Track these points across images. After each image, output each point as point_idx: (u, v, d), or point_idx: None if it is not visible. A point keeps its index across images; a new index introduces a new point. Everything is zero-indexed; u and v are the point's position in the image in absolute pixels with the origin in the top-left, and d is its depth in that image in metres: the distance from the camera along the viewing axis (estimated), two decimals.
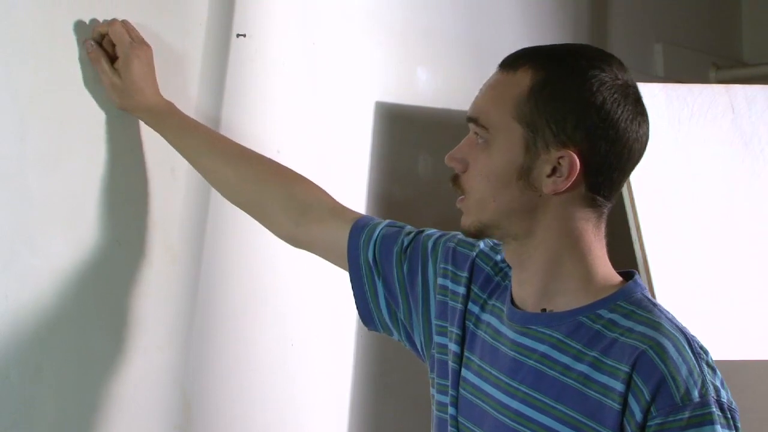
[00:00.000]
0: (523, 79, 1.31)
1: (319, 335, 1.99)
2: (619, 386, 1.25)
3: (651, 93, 2.35)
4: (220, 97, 1.82)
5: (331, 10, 2.04)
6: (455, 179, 1.36)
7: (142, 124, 1.67)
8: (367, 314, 1.56)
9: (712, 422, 1.22)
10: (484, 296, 1.43)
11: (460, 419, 1.40)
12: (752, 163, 2.35)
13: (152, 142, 1.69)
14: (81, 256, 1.59)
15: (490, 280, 1.44)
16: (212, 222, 1.78)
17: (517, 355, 1.34)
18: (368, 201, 2.12)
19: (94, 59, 1.58)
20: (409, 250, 1.52)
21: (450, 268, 1.47)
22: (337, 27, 2.06)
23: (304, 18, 1.99)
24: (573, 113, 1.29)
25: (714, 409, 1.22)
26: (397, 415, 2.18)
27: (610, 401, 1.25)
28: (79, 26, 1.59)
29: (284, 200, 1.62)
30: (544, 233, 1.33)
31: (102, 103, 1.61)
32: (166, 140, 1.66)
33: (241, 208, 1.67)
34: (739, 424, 1.26)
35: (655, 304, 1.33)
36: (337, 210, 1.61)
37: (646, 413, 1.23)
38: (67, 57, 1.58)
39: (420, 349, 1.52)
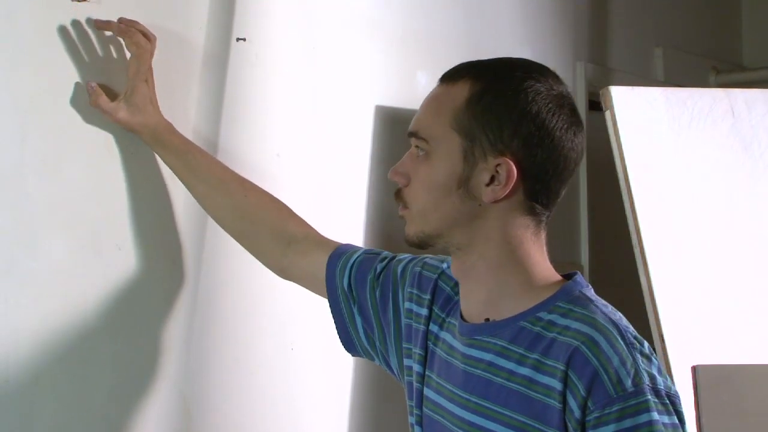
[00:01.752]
0: (462, 90, 1.34)
1: (319, 339, 1.99)
2: (558, 385, 1.26)
3: (651, 97, 2.36)
4: (220, 101, 1.82)
5: (331, 14, 2.04)
6: (398, 193, 1.39)
7: None
8: (348, 340, 1.60)
9: (648, 410, 1.23)
10: (443, 315, 1.46)
11: None
12: (752, 166, 2.35)
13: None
14: (81, 260, 1.59)
15: (449, 300, 1.47)
16: (212, 227, 1.78)
17: (467, 367, 1.36)
18: (368, 203, 2.12)
19: (93, 102, 1.59)
20: (381, 276, 1.55)
21: (415, 291, 1.50)
22: (337, 31, 2.06)
23: (304, 22, 1.99)
24: (509, 122, 1.32)
25: (649, 397, 1.23)
26: (397, 418, 2.18)
27: (552, 401, 1.26)
28: (80, 31, 1.59)
29: (273, 232, 1.66)
30: (486, 242, 1.35)
31: None
32: (163, 160, 1.68)
33: (232, 236, 1.70)
34: (680, 409, 1.27)
35: (591, 300, 1.34)
36: (321, 242, 1.65)
37: (583, 408, 1.24)
38: (68, 61, 1.58)
39: (396, 375, 1.55)
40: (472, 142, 1.33)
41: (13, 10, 1.51)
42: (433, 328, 1.45)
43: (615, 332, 1.28)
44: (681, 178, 2.31)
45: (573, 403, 1.25)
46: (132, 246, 1.66)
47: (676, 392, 1.28)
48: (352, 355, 1.63)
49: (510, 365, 1.31)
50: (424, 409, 1.43)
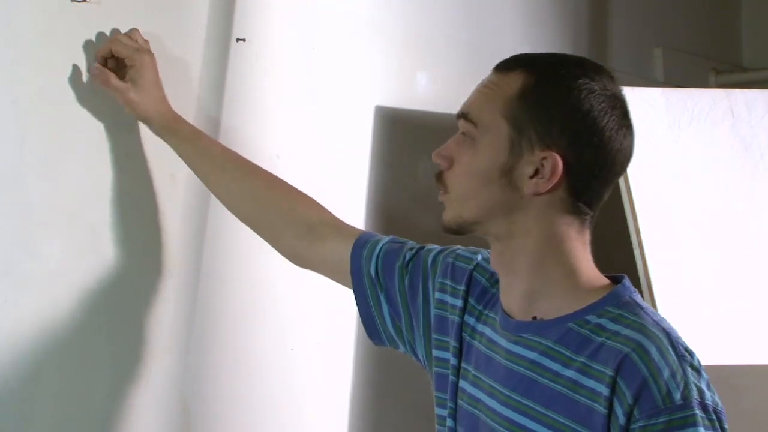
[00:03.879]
0: (515, 80, 1.33)
1: (319, 340, 1.99)
2: (605, 390, 1.25)
3: (651, 97, 2.36)
4: (219, 102, 1.82)
5: (330, 15, 2.04)
6: (439, 176, 1.38)
7: (141, 129, 1.67)
8: (372, 328, 1.58)
9: (694, 424, 1.21)
10: (480, 308, 1.45)
11: (459, 429, 1.41)
12: (752, 167, 2.35)
13: (152, 147, 1.69)
14: (80, 262, 1.59)
15: (486, 292, 1.46)
16: (212, 227, 1.78)
17: (509, 363, 1.35)
18: (368, 205, 2.12)
19: (103, 81, 1.59)
20: (410, 264, 1.54)
21: (448, 282, 1.49)
22: (337, 32, 2.06)
23: (304, 23, 1.99)
24: (559, 117, 1.32)
25: (697, 411, 1.22)
26: (397, 420, 2.18)
27: (598, 406, 1.25)
28: (80, 31, 1.59)
29: (290, 218, 1.63)
30: (526, 236, 1.35)
31: (101, 109, 1.61)
32: (174, 149, 1.67)
33: (247, 224, 1.68)
34: (725, 426, 1.25)
35: (642, 307, 1.33)
36: (340, 227, 1.63)
37: (629, 416, 1.23)
38: (67, 63, 1.58)
39: (424, 364, 1.53)
40: (520, 133, 1.32)
41: (13, 10, 1.51)
42: (469, 320, 1.44)
43: (666, 342, 1.27)
44: (681, 179, 2.32)
45: (619, 410, 1.24)
46: (131, 246, 1.66)
47: (723, 409, 1.26)
48: (375, 344, 1.60)
49: (555, 366, 1.30)
50: (459, 401, 1.41)
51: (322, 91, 2.03)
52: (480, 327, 1.43)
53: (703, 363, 1.29)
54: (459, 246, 1.54)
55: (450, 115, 2.29)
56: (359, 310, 1.57)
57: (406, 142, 2.21)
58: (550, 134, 1.31)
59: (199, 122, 1.75)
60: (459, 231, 1.38)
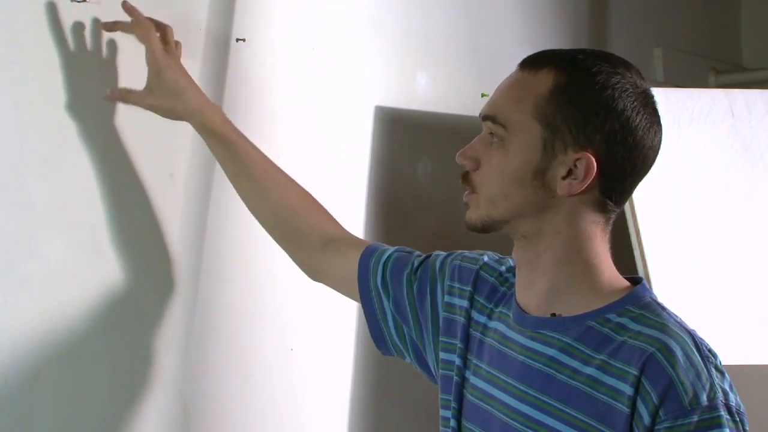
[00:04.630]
0: (545, 79, 1.32)
1: (319, 340, 1.99)
2: (628, 389, 1.25)
3: None
4: (219, 102, 1.82)
5: (330, 14, 2.04)
6: (465, 176, 1.37)
7: (141, 129, 1.67)
8: (380, 337, 1.58)
9: (720, 426, 1.22)
10: (491, 306, 1.45)
11: (466, 424, 1.41)
12: (752, 167, 2.35)
13: (152, 147, 1.69)
14: (80, 262, 1.59)
15: (495, 290, 1.46)
16: (211, 227, 1.78)
17: (526, 359, 1.35)
18: (368, 205, 2.12)
19: (122, 99, 1.60)
20: (419, 271, 1.54)
21: (456, 284, 1.49)
22: (337, 32, 2.06)
23: (304, 23, 1.99)
24: (594, 117, 1.30)
25: (722, 413, 1.23)
26: (397, 420, 2.18)
27: (620, 404, 1.25)
28: (80, 31, 1.59)
29: (312, 232, 1.64)
30: (555, 235, 1.34)
31: (101, 108, 1.61)
32: (210, 149, 1.66)
33: (269, 233, 1.68)
34: (747, 428, 1.26)
35: (663, 308, 1.34)
36: (354, 241, 1.64)
37: (654, 417, 1.23)
38: (68, 62, 1.58)
39: (432, 369, 1.54)
40: (554, 133, 1.31)
41: (13, 9, 1.51)
42: (479, 318, 1.44)
43: (691, 343, 1.27)
44: (681, 179, 2.32)
45: (643, 410, 1.24)
46: (131, 246, 1.66)
47: (745, 411, 1.27)
48: (383, 354, 1.61)
49: (574, 363, 1.30)
50: (470, 397, 1.41)
51: (322, 91, 2.03)
52: (492, 324, 1.43)
53: None
54: (466, 250, 1.55)
55: (450, 115, 2.30)
56: (367, 319, 1.58)
57: (406, 142, 2.21)
58: (585, 135, 1.30)
59: None
60: (484, 229, 1.37)
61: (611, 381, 1.27)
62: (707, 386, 1.23)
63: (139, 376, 1.68)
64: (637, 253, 2.23)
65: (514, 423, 1.33)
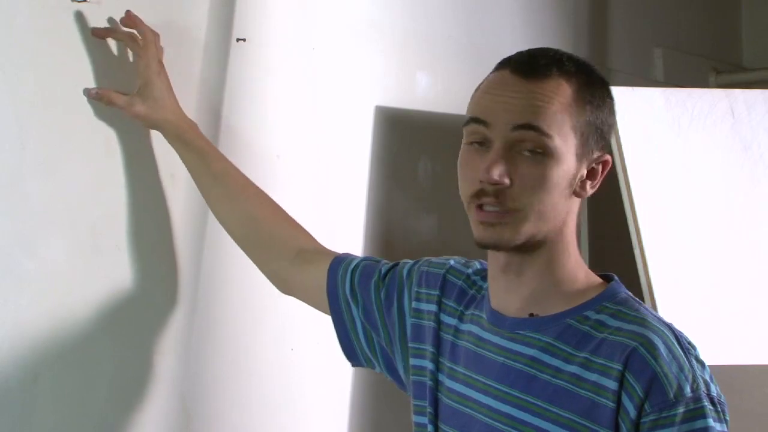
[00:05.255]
0: (562, 87, 1.32)
1: (319, 340, 1.99)
2: (612, 384, 1.26)
3: (651, 97, 2.36)
4: (220, 102, 1.82)
5: (330, 14, 2.04)
6: (500, 194, 1.30)
7: (141, 130, 1.67)
8: (349, 348, 1.59)
9: (704, 416, 1.23)
10: (461, 308, 1.45)
11: (445, 428, 1.41)
12: (752, 167, 2.35)
13: (151, 148, 1.69)
14: (80, 261, 1.59)
15: (464, 293, 1.46)
16: (212, 227, 1.78)
17: (506, 360, 1.35)
18: (368, 205, 2.12)
19: (107, 102, 1.60)
20: (387, 277, 1.55)
21: (423, 290, 1.50)
22: (337, 32, 2.06)
23: (304, 23, 1.99)
24: (608, 119, 1.35)
25: (706, 404, 1.24)
26: (397, 420, 2.18)
27: (604, 400, 1.26)
28: (80, 31, 1.59)
29: (281, 243, 1.65)
30: (555, 237, 1.35)
31: (101, 109, 1.61)
32: (182, 159, 1.68)
33: (238, 243, 1.69)
34: (727, 417, 1.27)
35: (640, 303, 1.35)
36: (323, 252, 1.64)
37: (640, 410, 1.24)
38: (67, 62, 1.58)
39: (402, 376, 1.54)
40: (585, 140, 1.32)
41: (13, 10, 1.51)
42: (450, 320, 1.44)
43: (671, 336, 1.28)
44: (681, 179, 2.32)
45: (629, 404, 1.25)
46: (131, 247, 1.66)
47: (725, 401, 1.28)
48: (353, 365, 1.62)
49: (556, 362, 1.31)
50: (447, 401, 1.41)
51: (322, 91, 2.03)
52: (465, 326, 1.43)
53: None
54: (432, 256, 1.56)
55: (450, 114, 2.30)
56: (336, 330, 1.58)
57: (406, 142, 2.21)
58: (604, 137, 1.35)
59: (198, 122, 1.75)
60: (526, 248, 1.33)
61: (594, 377, 1.27)
62: (690, 378, 1.25)
63: (138, 376, 1.68)
64: (637, 252, 2.23)
65: (498, 424, 1.33)
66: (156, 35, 1.64)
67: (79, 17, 1.59)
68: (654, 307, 2.17)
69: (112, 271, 1.64)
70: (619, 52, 2.97)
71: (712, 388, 1.27)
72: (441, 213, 2.24)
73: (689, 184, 2.31)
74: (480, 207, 1.31)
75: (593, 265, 2.88)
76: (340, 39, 2.07)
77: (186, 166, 1.68)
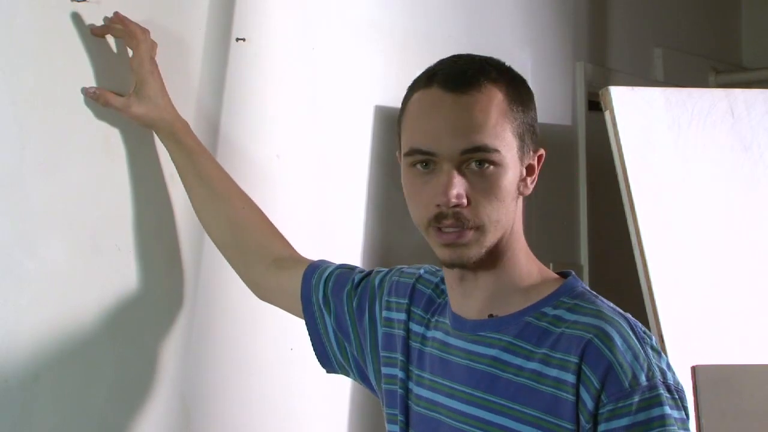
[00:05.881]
0: (494, 95, 1.32)
1: None
2: (571, 378, 1.26)
3: (650, 97, 2.36)
4: (219, 101, 1.82)
5: (330, 14, 2.04)
6: (458, 216, 1.30)
7: (141, 131, 1.67)
8: (323, 354, 1.60)
9: (660, 404, 1.24)
10: (428, 316, 1.45)
11: None
12: (751, 167, 2.35)
13: (151, 148, 1.69)
14: (80, 261, 1.59)
15: (432, 301, 1.46)
16: None
17: (470, 362, 1.35)
18: (368, 205, 2.12)
19: (103, 103, 1.59)
20: (360, 287, 1.55)
21: (393, 299, 1.50)
22: (337, 31, 2.06)
23: (304, 22, 1.99)
24: (535, 115, 1.36)
25: (662, 391, 1.24)
26: None
27: (565, 393, 1.27)
28: (80, 31, 1.59)
29: (260, 248, 1.66)
30: (506, 240, 1.35)
31: (101, 109, 1.61)
32: (172, 158, 1.68)
33: (217, 245, 1.70)
34: (687, 404, 1.28)
35: (596, 296, 1.35)
36: (300, 260, 1.65)
37: (597, 401, 1.25)
38: (67, 62, 1.58)
39: (374, 384, 1.54)
40: (523, 141, 1.33)
41: (13, 10, 1.51)
42: (418, 329, 1.45)
43: (626, 326, 1.29)
44: (680, 179, 2.32)
45: (586, 396, 1.25)
46: (131, 247, 1.66)
47: (683, 388, 1.29)
48: (327, 372, 1.63)
49: (517, 360, 1.31)
50: (416, 408, 1.42)
51: (322, 91, 2.03)
52: (431, 333, 1.43)
53: (703, 363, 1.30)
54: (405, 265, 1.56)
55: None
56: (310, 336, 1.59)
57: None
58: (535, 131, 1.36)
59: (198, 122, 1.75)
60: (484, 262, 1.33)
61: (554, 372, 1.28)
62: (645, 366, 1.25)
63: (139, 375, 1.68)
64: (637, 252, 2.23)
65: (464, 426, 1.34)
66: (146, 32, 1.63)
67: (79, 17, 1.59)
68: (654, 307, 2.17)
69: (112, 271, 1.64)
70: (619, 52, 2.97)
71: (669, 375, 1.27)
72: None
73: (689, 184, 2.31)
74: (439, 229, 1.32)
75: (593, 266, 2.90)
76: (340, 39, 2.07)
77: (174, 165, 1.69)
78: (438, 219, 1.31)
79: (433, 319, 1.44)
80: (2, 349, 1.48)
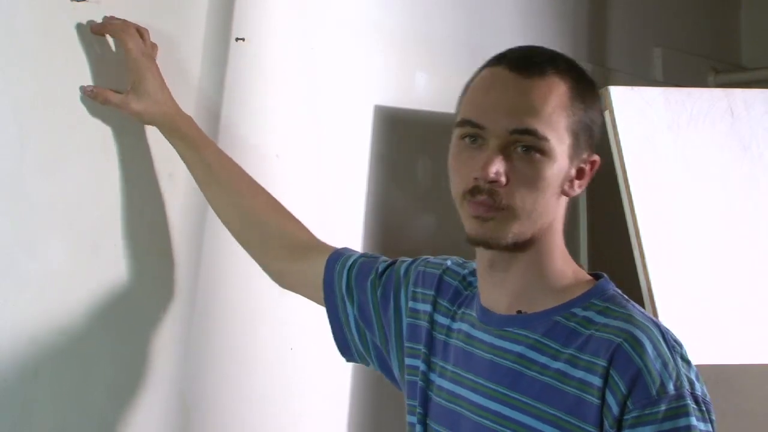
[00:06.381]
0: (558, 86, 1.32)
1: (319, 339, 1.99)
2: (597, 381, 1.25)
3: (650, 97, 2.36)
4: (219, 101, 1.82)
5: (330, 14, 2.04)
6: (493, 193, 1.30)
7: (141, 129, 1.67)
8: (343, 343, 1.59)
9: (687, 414, 1.23)
10: (455, 308, 1.45)
11: (434, 426, 1.41)
12: (751, 167, 2.35)
13: (151, 147, 1.69)
14: (80, 261, 1.59)
15: (459, 294, 1.46)
16: (211, 226, 1.78)
17: (494, 357, 1.35)
18: (368, 205, 2.12)
19: (102, 100, 1.59)
20: (384, 276, 1.54)
21: (419, 290, 1.50)
22: (336, 31, 2.06)
23: (304, 23, 1.99)
24: (599, 118, 1.37)
25: (689, 402, 1.23)
26: (397, 420, 2.18)
27: (589, 396, 1.26)
28: (80, 31, 1.59)
29: (279, 239, 1.65)
30: (545, 235, 1.35)
31: (101, 108, 1.61)
32: (179, 153, 1.67)
33: (236, 237, 1.69)
34: (713, 417, 1.27)
35: (628, 300, 1.35)
36: (322, 247, 1.64)
37: (622, 407, 1.24)
38: (67, 62, 1.58)
39: (396, 375, 1.54)
40: (577, 140, 1.33)
41: (13, 10, 1.51)
42: (443, 320, 1.45)
43: (657, 333, 1.28)
44: (680, 178, 2.32)
45: (612, 400, 1.24)
46: (131, 246, 1.66)
47: (710, 400, 1.27)
48: (347, 360, 1.62)
49: (543, 359, 1.30)
50: (437, 399, 1.41)
51: (321, 90, 2.03)
52: (456, 325, 1.43)
53: (703, 363, 1.30)
54: (430, 256, 1.55)
55: (449, 114, 2.29)
56: (331, 325, 1.59)
57: (406, 142, 2.21)
58: (593, 135, 1.35)
59: (198, 122, 1.75)
60: (515, 247, 1.33)
61: (580, 374, 1.27)
62: (674, 375, 1.24)
63: (138, 374, 1.68)
64: (637, 252, 2.23)
65: (485, 421, 1.33)
66: (140, 29, 1.63)
67: (79, 17, 1.59)
68: (654, 307, 2.17)
69: (112, 270, 1.64)
70: (619, 52, 2.97)
71: (697, 386, 1.26)
72: (440, 212, 2.24)
73: (688, 184, 2.31)
74: (472, 202, 1.32)
75: (593, 265, 2.90)
76: (340, 39, 2.07)
77: (183, 160, 1.68)
78: (473, 193, 1.31)
79: (459, 311, 1.44)
80: (2, 349, 1.48)
